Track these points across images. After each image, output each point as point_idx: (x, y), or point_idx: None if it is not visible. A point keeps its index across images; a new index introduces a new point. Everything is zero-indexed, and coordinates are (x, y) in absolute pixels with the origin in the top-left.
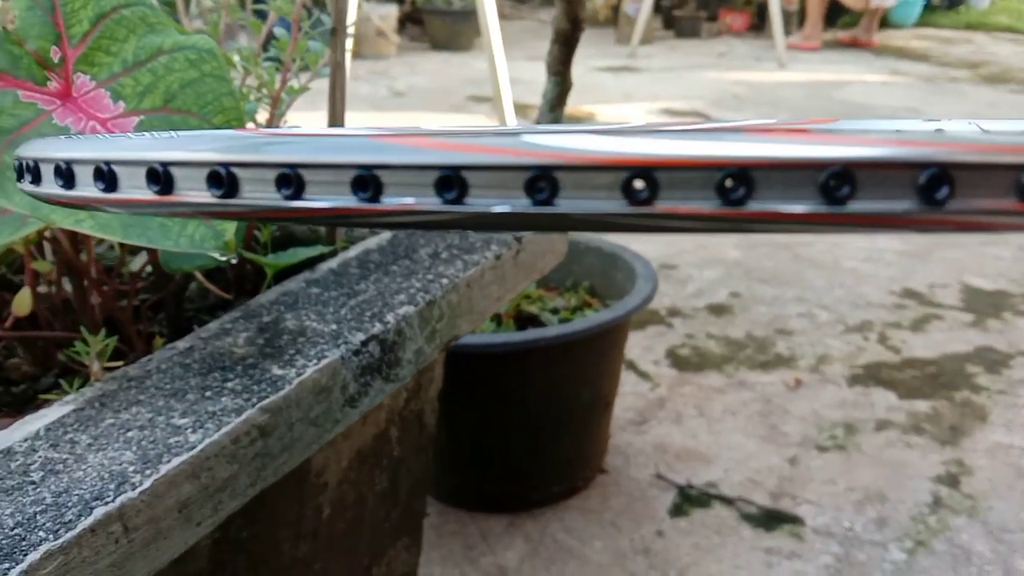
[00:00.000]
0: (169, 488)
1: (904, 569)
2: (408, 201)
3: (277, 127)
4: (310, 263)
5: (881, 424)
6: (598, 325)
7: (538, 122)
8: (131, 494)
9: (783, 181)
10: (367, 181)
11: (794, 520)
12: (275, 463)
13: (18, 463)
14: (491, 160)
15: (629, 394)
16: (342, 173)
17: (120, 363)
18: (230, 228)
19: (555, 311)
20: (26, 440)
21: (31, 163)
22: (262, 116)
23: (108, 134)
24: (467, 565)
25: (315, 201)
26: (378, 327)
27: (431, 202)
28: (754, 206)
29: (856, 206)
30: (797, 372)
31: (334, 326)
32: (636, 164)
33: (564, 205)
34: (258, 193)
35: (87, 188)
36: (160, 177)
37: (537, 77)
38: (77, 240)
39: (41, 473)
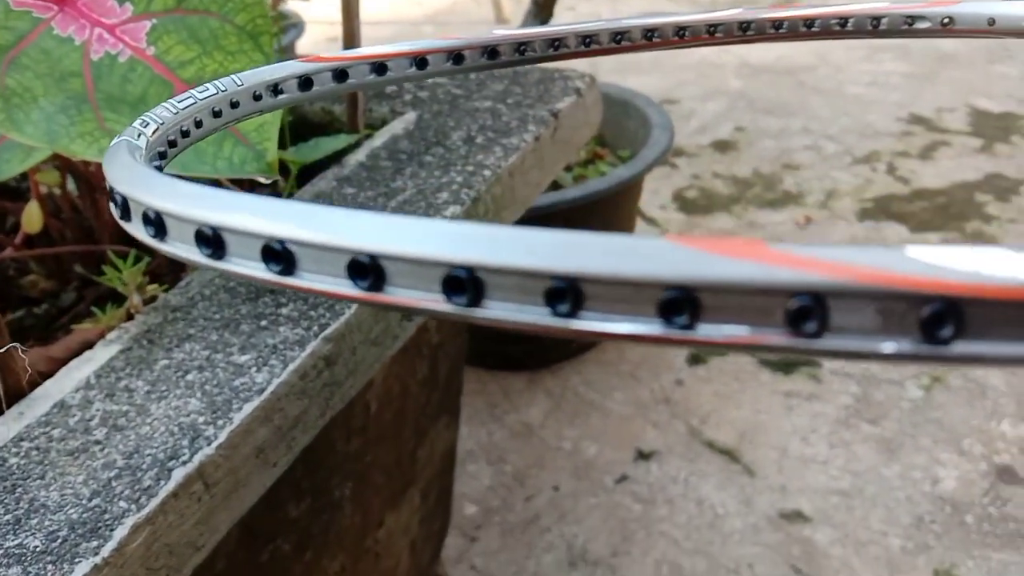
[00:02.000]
0: (245, 437)
1: (922, 406)
2: (740, 332)
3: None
4: (335, 156)
5: None
6: (617, 184)
7: None
8: (207, 450)
9: None
10: (682, 305)
11: (811, 363)
12: (342, 390)
13: (76, 419)
14: (868, 289)
15: None
16: (644, 292)
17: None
18: (272, 146)
19: (567, 167)
20: (78, 390)
21: (209, 230)
22: None
23: (301, 203)
24: (493, 423)
25: (601, 323)
26: None
27: (775, 335)
28: None
29: None
30: (806, 209)
31: None
32: None
33: (968, 347)
34: (514, 304)
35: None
36: (368, 271)
37: None
38: None
39: (104, 430)
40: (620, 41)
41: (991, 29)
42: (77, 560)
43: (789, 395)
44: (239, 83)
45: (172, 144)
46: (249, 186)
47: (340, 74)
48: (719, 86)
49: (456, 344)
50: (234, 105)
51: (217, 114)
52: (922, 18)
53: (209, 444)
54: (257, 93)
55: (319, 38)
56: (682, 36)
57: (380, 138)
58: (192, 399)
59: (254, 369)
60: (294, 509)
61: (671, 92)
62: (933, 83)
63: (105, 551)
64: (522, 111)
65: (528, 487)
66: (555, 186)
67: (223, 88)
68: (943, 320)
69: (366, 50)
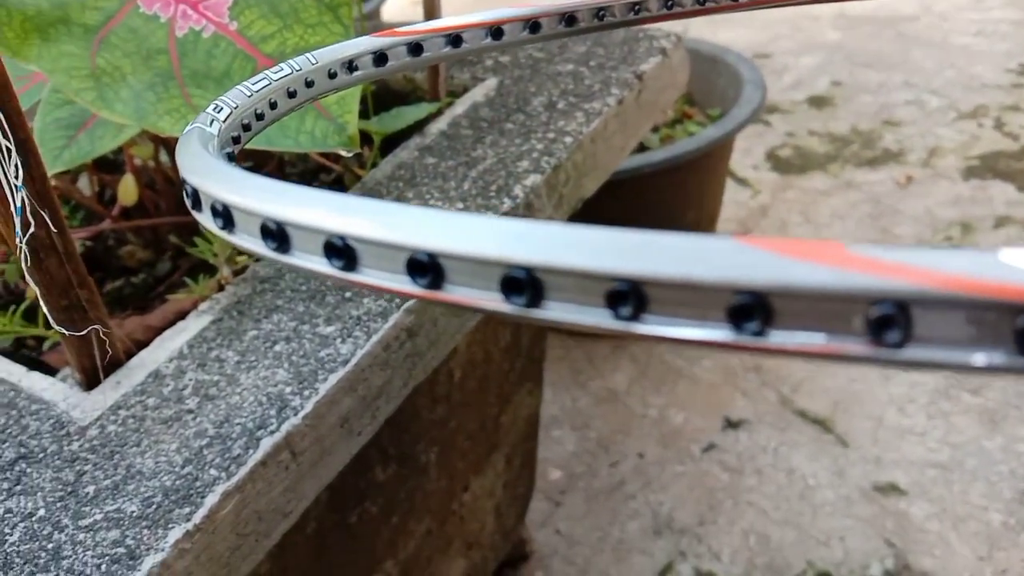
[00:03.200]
0: (330, 407)
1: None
2: (815, 341)
3: None
4: (417, 124)
5: (1000, 220)
6: (706, 144)
7: None
8: (294, 420)
9: None
10: (752, 311)
11: None
12: (424, 360)
13: (170, 388)
14: (957, 297)
15: (729, 203)
16: (713, 297)
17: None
18: (352, 120)
19: (654, 128)
20: (172, 360)
21: (274, 225)
22: None
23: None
24: (577, 389)
25: (665, 327)
26: (507, 203)
27: (853, 344)
28: None
29: None
30: (907, 168)
31: (460, 204)
32: None
33: None
34: (575, 306)
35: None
36: (427, 269)
37: None
38: None
39: (196, 399)
40: (704, 2)
41: None
42: (171, 526)
43: None
44: (313, 61)
45: (246, 128)
46: (336, 157)
47: (415, 48)
48: (815, 38)
49: None
50: (309, 84)
51: (292, 94)
52: None
53: (296, 414)
54: (332, 71)
55: (404, 1)
56: None
57: (461, 106)
58: (280, 369)
59: (339, 340)
60: (381, 473)
61: (764, 46)
62: None
63: (197, 517)
64: (605, 74)
65: (613, 454)
66: (641, 147)
67: (297, 68)
68: None
69: (440, 22)
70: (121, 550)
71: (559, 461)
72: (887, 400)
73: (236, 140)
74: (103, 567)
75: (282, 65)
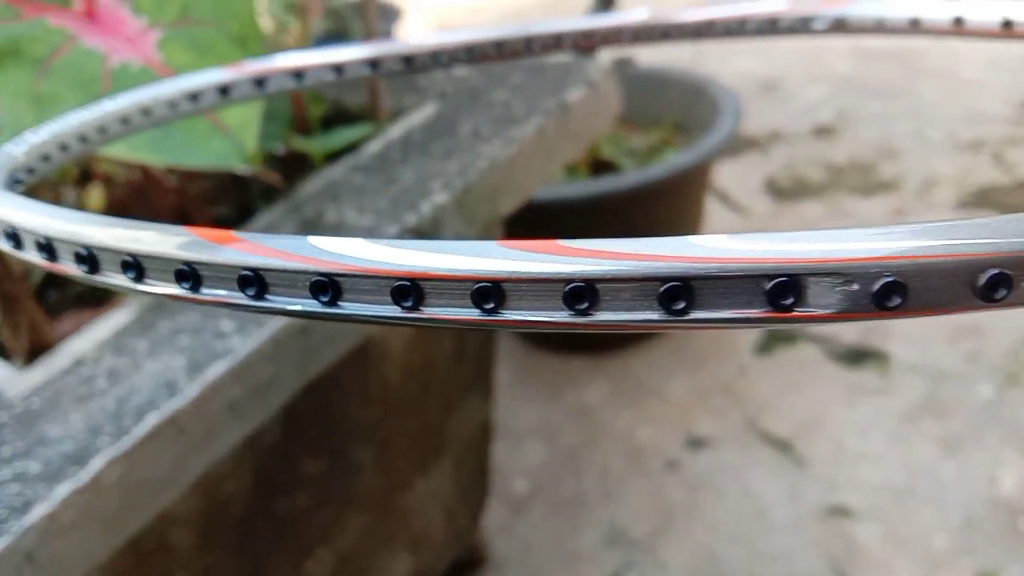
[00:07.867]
0: (216, 392)
1: (995, 403)
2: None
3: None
4: (358, 143)
5: None
6: (675, 170)
7: None
8: (179, 399)
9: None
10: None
11: (881, 356)
12: (318, 356)
13: (88, 371)
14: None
15: (720, 228)
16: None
17: None
18: (251, 141)
19: (633, 153)
20: (95, 347)
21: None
22: None
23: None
24: (551, 402)
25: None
26: (413, 218)
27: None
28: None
29: None
30: (901, 198)
31: (371, 218)
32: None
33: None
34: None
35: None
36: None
37: None
38: None
39: (106, 381)
40: (667, 33)
41: (881, 29)
42: (63, 481)
43: (854, 389)
44: (155, 92)
45: (65, 148)
46: (284, 175)
47: (259, 82)
48: (825, 69)
49: None
50: (146, 112)
51: (126, 121)
52: (816, 19)
53: (182, 395)
54: (174, 101)
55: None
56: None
57: (398, 128)
58: (179, 357)
59: (235, 334)
60: (311, 466)
61: (775, 75)
62: None
63: (84, 476)
64: (532, 103)
65: (579, 466)
66: (617, 172)
67: (136, 98)
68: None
69: (283, 59)
70: (19, 501)
71: (527, 471)
72: (850, 424)
73: (47, 158)
74: (2, 513)
75: (120, 96)
